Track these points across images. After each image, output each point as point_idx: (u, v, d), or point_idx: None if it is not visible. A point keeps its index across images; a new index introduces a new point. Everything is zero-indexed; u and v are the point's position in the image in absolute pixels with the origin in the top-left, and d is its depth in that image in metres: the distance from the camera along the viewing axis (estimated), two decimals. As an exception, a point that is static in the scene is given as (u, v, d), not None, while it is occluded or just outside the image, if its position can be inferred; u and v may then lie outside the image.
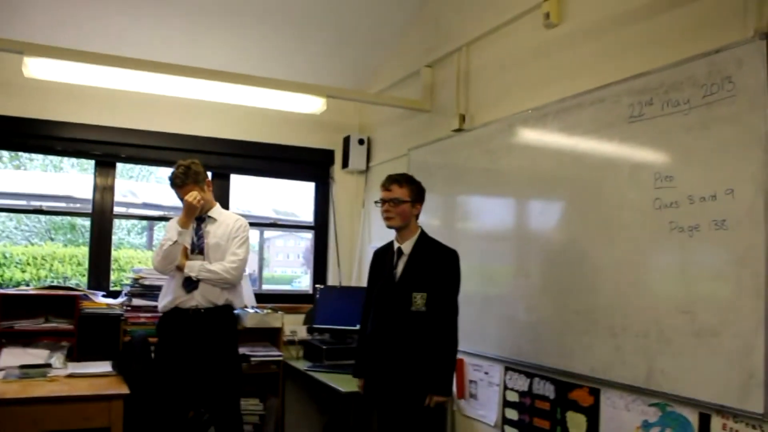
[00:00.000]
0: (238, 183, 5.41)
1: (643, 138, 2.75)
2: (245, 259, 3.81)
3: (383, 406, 3.15)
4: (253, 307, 4.88)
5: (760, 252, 2.29)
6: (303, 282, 6.13)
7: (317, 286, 5.14)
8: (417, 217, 3.21)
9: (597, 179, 2.98)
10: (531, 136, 3.45)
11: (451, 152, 4.14)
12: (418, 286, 3.07)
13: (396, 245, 3.20)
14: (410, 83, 4.77)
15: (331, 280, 5.53)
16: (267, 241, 7.17)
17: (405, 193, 3.15)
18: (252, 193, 5.87)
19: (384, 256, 3.26)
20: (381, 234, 5.10)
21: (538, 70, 3.48)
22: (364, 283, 5.34)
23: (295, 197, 6.05)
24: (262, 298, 5.21)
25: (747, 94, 2.36)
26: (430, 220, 4.31)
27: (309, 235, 5.79)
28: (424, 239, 3.19)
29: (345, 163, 5.45)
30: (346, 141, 5.44)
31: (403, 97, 4.74)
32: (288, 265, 8.49)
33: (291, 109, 4.59)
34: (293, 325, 5.11)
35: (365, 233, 5.44)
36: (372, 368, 3.21)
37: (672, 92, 2.63)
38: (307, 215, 5.79)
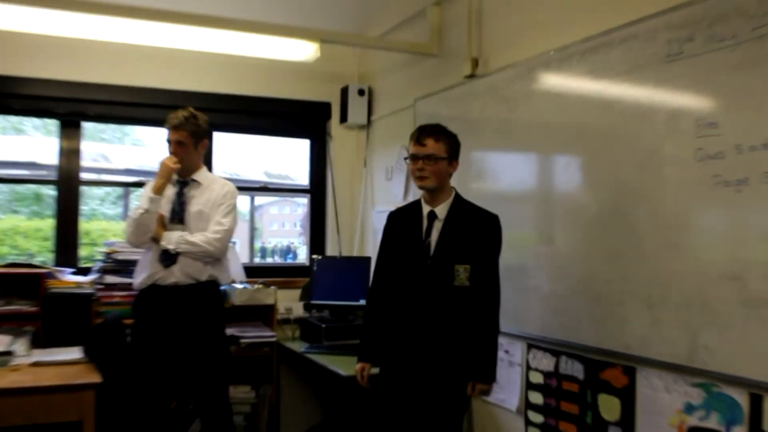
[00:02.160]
0: (223, 142, 5.41)
1: (683, 80, 2.71)
2: (231, 229, 3.81)
3: (412, 396, 3.06)
4: (242, 282, 4.89)
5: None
6: (302, 254, 6.13)
7: (314, 257, 5.15)
8: (451, 176, 3.12)
9: (629, 129, 2.95)
10: (553, 81, 3.42)
11: (463, 102, 4.12)
12: (461, 257, 2.99)
13: (426, 208, 3.09)
14: (415, 24, 4.74)
15: (330, 249, 5.56)
16: (259, 208, 7.14)
17: (442, 149, 3.03)
18: (239, 153, 5.85)
19: (406, 220, 3.14)
20: (385, 197, 5.09)
21: (561, 5, 3.44)
22: (367, 253, 5.49)
23: (288, 157, 6.04)
24: (252, 271, 5.23)
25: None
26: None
27: (305, 201, 5.80)
28: (460, 202, 3.11)
29: (343, 117, 5.45)
30: (344, 92, 5.43)
31: (408, 41, 4.72)
32: (284, 235, 8.48)
33: (280, 57, 4.55)
34: (288, 302, 5.13)
35: (368, 196, 5.44)
36: (396, 353, 3.09)
37: (716, 25, 2.58)
38: (303, 177, 5.77)
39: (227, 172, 5.74)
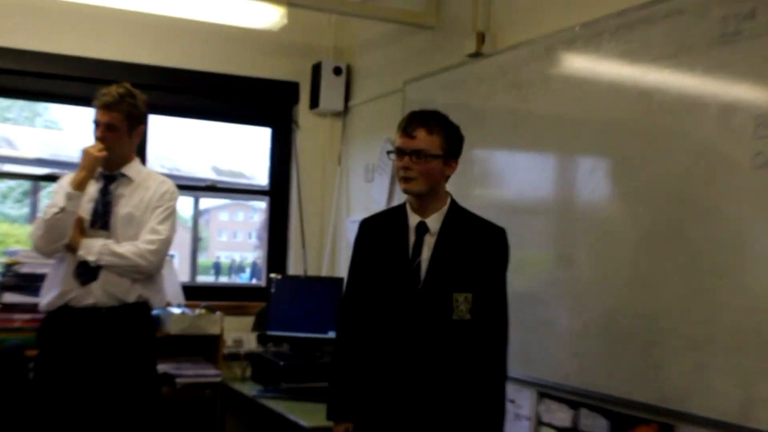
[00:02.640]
0: (161, 128, 5.39)
1: (740, 66, 2.70)
2: (169, 238, 3.79)
3: None
4: (179, 306, 4.87)
5: None
6: (256, 273, 6.11)
7: (272, 276, 5.14)
8: (447, 179, 3.02)
9: (672, 126, 2.94)
10: (578, 64, 3.42)
11: (465, 87, 4.13)
12: (460, 283, 2.91)
13: (414, 219, 2.99)
14: (407, -14, 4.75)
15: (293, 267, 5.56)
16: (205, 213, 7.13)
17: (436, 144, 2.91)
18: (181, 142, 5.83)
19: (387, 232, 3.05)
20: (364, 203, 5.09)
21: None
22: (339, 273, 5.49)
23: (243, 150, 6.02)
24: (193, 292, 5.20)
25: None
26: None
27: (263, 205, 5.79)
28: (458, 212, 3.02)
29: (314, 102, 5.46)
30: (316, 70, 5.44)
31: (398, 8, 4.72)
32: (236, 248, 8.47)
33: (237, 23, 4.54)
34: (238, 332, 5.12)
35: (342, 202, 5.44)
36: (378, 408, 2.98)
37: (784, -1, 2.59)
38: (261, 176, 5.75)
39: (165, 166, 5.72)
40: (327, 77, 5.37)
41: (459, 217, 3.01)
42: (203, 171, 6.25)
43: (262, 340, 5.09)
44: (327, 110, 5.45)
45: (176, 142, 5.78)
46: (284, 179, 5.65)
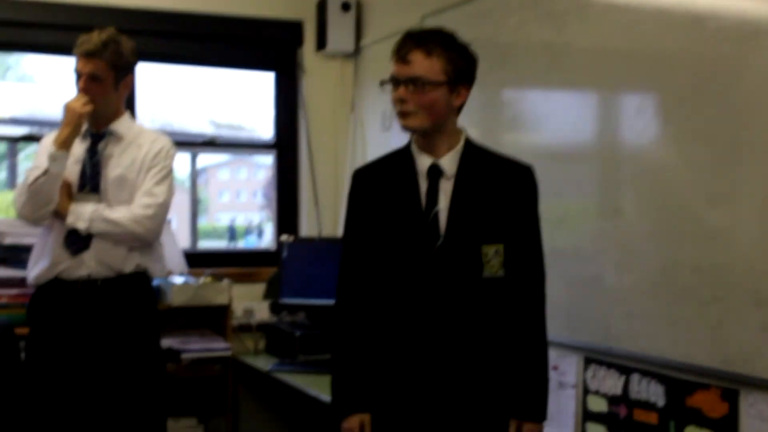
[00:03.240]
0: (152, 78, 5.38)
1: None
2: (167, 202, 3.81)
3: None
4: (182, 275, 4.89)
5: None
6: (264, 235, 6.11)
7: (284, 238, 5.14)
8: (459, 111, 2.84)
9: (730, 56, 2.91)
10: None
11: (492, 19, 4.12)
12: (489, 232, 2.77)
13: (425, 160, 2.82)
14: None
15: (306, 228, 5.57)
16: (203, 172, 7.11)
17: (437, 68, 2.71)
18: (175, 93, 5.81)
19: (389, 180, 2.87)
20: (383, 152, 5.02)
21: None
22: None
23: (244, 99, 6.00)
24: (197, 259, 5.21)
25: None
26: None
27: (269, 160, 5.77)
28: (474, 150, 2.87)
29: (321, 43, 5.45)
30: (322, 6, 5.42)
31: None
32: (240, 208, 8.48)
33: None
34: (248, 302, 5.15)
35: (357, 153, 5.44)
36: (399, 391, 2.82)
37: None
38: (265, 128, 5.74)
39: (157, 120, 5.70)
40: (334, 14, 5.34)
41: (477, 156, 2.86)
42: (200, 125, 6.22)
43: (275, 309, 5.11)
44: (336, 51, 5.43)
45: (168, 94, 5.75)
46: (291, 131, 5.65)
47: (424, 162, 2.82)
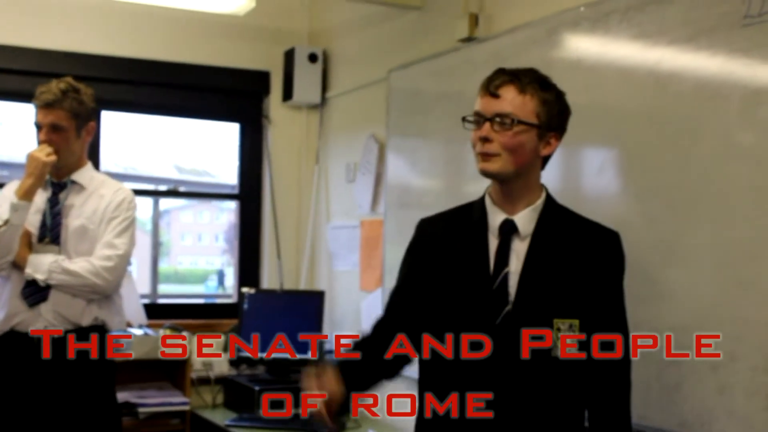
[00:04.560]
0: (116, 121, 5.39)
1: (765, 50, 2.70)
2: (128, 253, 3.80)
3: None
4: (141, 327, 4.86)
5: None
6: (226, 280, 6.09)
7: (245, 290, 5.13)
8: (545, 164, 2.59)
9: (690, 117, 2.94)
10: (584, 48, 3.43)
11: (457, 75, 4.13)
12: (563, 304, 2.46)
13: (497, 215, 2.54)
14: (391, -37, 4.75)
15: (267, 280, 5.56)
16: (166, 214, 7.10)
17: (530, 108, 2.46)
18: (139, 140, 5.81)
19: (457, 235, 2.59)
20: (346, 207, 5.10)
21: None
22: (319, 285, 5.50)
23: (209, 146, 6.02)
24: (157, 310, 5.19)
25: None
26: (422, 179, 4.30)
27: (232, 204, 5.78)
28: (556, 209, 2.59)
29: (287, 93, 5.47)
30: (289, 57, 5.44)
31: (380, -14, 4.72)
32: (201, 251, 8.44)
33: (199, 7, 4.50)
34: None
35: (321, 205, 5.44)
36: None
37: (814, -24, 2.60)
38: (229, 174, 5.73)
39: (120, 165, 5.69)
40: (301, 65, 5.36)
41: (558, 216, 2.57)
42: (164, 170, 6.23)
43: (234, 362, 5.08)
44: (302, 102, 5.44)
45: (133, 139, 5.76)
46: (255, 180, 5.65)
47: (497, 217, 2.53)
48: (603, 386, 2.52)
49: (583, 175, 3.42)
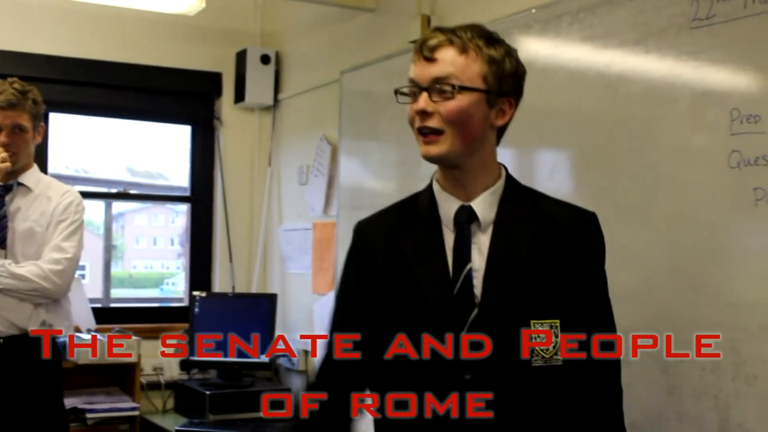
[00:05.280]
0: (67, 123, 5.35)
1: (714, 53, 2.73)
2: (77, 257, 3.78)
3: None
4: (89, 331, 4.81)
5: None
6: (180, 284, 6.07)
7: (196, 293, 5.12)
8: (500, 136, 2.17)
9: (639, 119, 2.97)
10: (535, 50, 3.43)
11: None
12: (540, 304, 2.04)
13: (450, 204, 2.11)
14: (343, -36, 4.75)
15: (219, 283, 5.54)
16: (119, 217, 7.04)
17: (474, 70, 2.03)
18: (91, 140, 5.77)
19: (404, 234, 2.13)
20: (298, 209, 5.09)
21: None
22: (271, 288, 5.48)
23: (161, 148, 5.98)
24: (106, 314, 5.17)
25: None
26: (375, 181, 4.31)
27: (185, 208, 5.79)
28: (519, 190, 2.17)
29: (239, 95, 5.46)
30: (241, 59, 5.44)
31: (333, -13, 4.73)
32: (156, 255, 8.38)
33: (149, 7, 4.48)
34: (158, 358, 5.09)
35: (273, 208, 5.45)
36: None
37: (760, -21, 2.63)
38: (182, 176, 5.71)
39: (70, 168, 5.65)
40: (253, 67, 5.36)
41: (523, 199, 2.15)
42: (116, 172, 6.18)
43: (185, 366, 5.05)
44: (254, 104, 5.44)
45: (85, 141, 5.71)
46: (207, 183, 5.64)
47: (451, 205, 2.10)
48: (591, 394, 2.12)
49: (535, 177, 3.42)
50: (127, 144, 5.96)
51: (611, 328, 2.17)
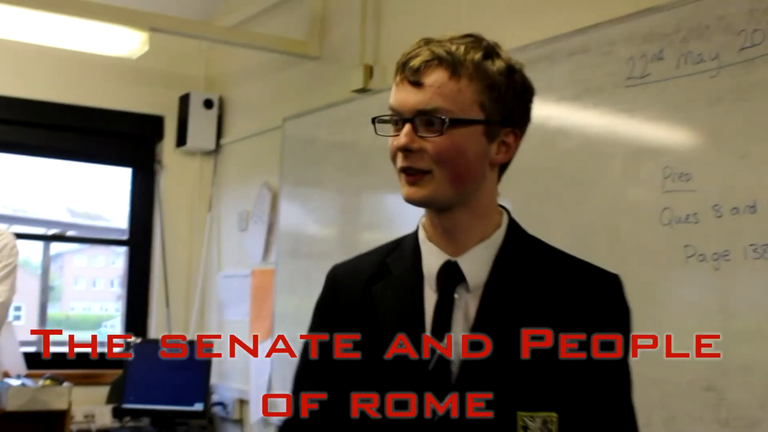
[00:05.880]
0: (6, 166, 5.37)
1: (648, 111, 2.79)
2: (8, 301, 3.79)
3: None
4: (19, 377, 4.74)
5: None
6: (119, 327, 6.03)
7: (131, 340, 5.07)
8: (500, 175, 1.78)
9: (575, 174, 3.01)
10: (476, 103, 3.44)
11: (352, 125, 4.16)
12: (532, 392, 1.62)
13: (435, 258, 1.71)
14: (288, 12, 4.81)
15: (155, 330, 5.50)
16: (58, 257, 6.98)
17: (468, 96, 1.63)
18: (32, 183, 5.74)
19: (377, 289, 1.75)
20: (238, 256, 5.07)
21: (487, 1, 3.51)
22: (207, 331, 5.45)
23: (102, 189, 5.96)
24: (38, 360, 5.11)
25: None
26: (315, 229, 4.32)
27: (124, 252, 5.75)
28: (522, 243, 1.76)
29: (181, 139, 5.46)
30: (184, 103, 5.44)
31: (277, 35, 4.74)
32: (96, 297, 8.30)
33: (92, 49, 4.49)
34: (89, 405, 5.03)
35: (212, 253, 5.43)
36: None
37: (693, 41, 2.67)
38: (124, 220, 5.71)
39: (9, 207, 5.61)
40: (196, 111, 5.36)
41: (525, 254, 1.74)
42: (56, 212, 6.13)
43: (117, 414, 5.00)
44: (196, 148, 5.44)
45: (24, 181, 5.67)
46: (146, 226, 5.61)
47: (434, 261, 1.71)
48: None
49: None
50: (67, 184, 5.93)
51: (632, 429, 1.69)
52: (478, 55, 1.65)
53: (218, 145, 5.44)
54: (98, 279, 8.39)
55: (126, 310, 5.58)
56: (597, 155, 2.94)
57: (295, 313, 4.34)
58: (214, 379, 4.94)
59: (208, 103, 5.37)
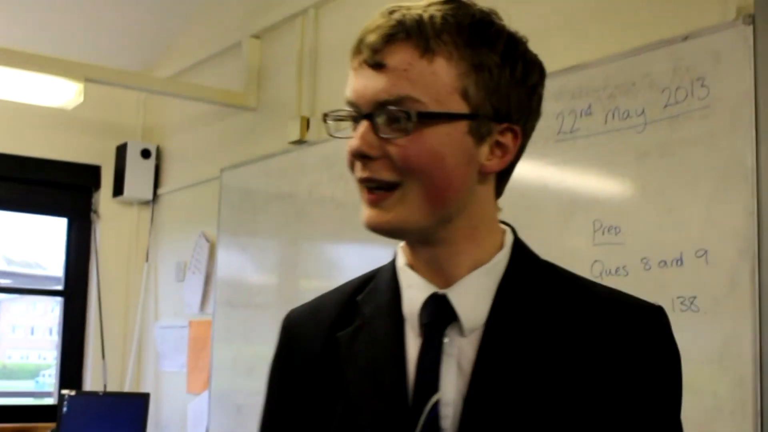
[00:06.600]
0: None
1: (578, 164, 2.85)
2: None
3: None
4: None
5: (745, 346, 2.38)
6: (46, 380, 5.96)
7: (65, 392, 5.01)
8: (501, 187, 1.40)
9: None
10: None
11: (289, 176, 4.20)
12: None
13: (418, 290, 1.30)
14: (225, 63, 4.84)
15: (91, 382, 5.45)
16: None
17: (444, 80, 1.20)
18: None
19: (346, 335, 1.33)
20: (174, 306, 5.06)
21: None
22: (144, 387, 5.41)
23: (40, 239, 5.92)
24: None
25: (726, 104, 2.47)
26: (253, 279, 4.35)
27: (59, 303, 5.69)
28: (531, 269, 1.35)
29: (118, 189, 5.44)
30: (121, 152, 5.43)
31: (214, 87, 4.77)
32: (34, 345, 8.20)
33: (27, 100, 4.48)
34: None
35: (149, 304, 5.41)
36: None
37: (620, 97, 2.74)
38: (60, 268, 5.66)
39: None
40: (133, 161, 5.35)
41: (538, 281, 1.32)
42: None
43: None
44: (133, 198, 5.43)
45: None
46: (82, 277, 5.57)
47: (416, 294, 1.30)
48: None
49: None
50: (3, 233, 5.89)
51: None
52: (461, 26, 1.21)
53: (155, 195, 5.43)
54: (36, 327, 8.29)
55: (61, 361, 5.51)
56: (529, 207, 2.96)
57: (233, 363, 4.32)
58: (150, 431, 4.90)
59: (145, 153, 5.36)
